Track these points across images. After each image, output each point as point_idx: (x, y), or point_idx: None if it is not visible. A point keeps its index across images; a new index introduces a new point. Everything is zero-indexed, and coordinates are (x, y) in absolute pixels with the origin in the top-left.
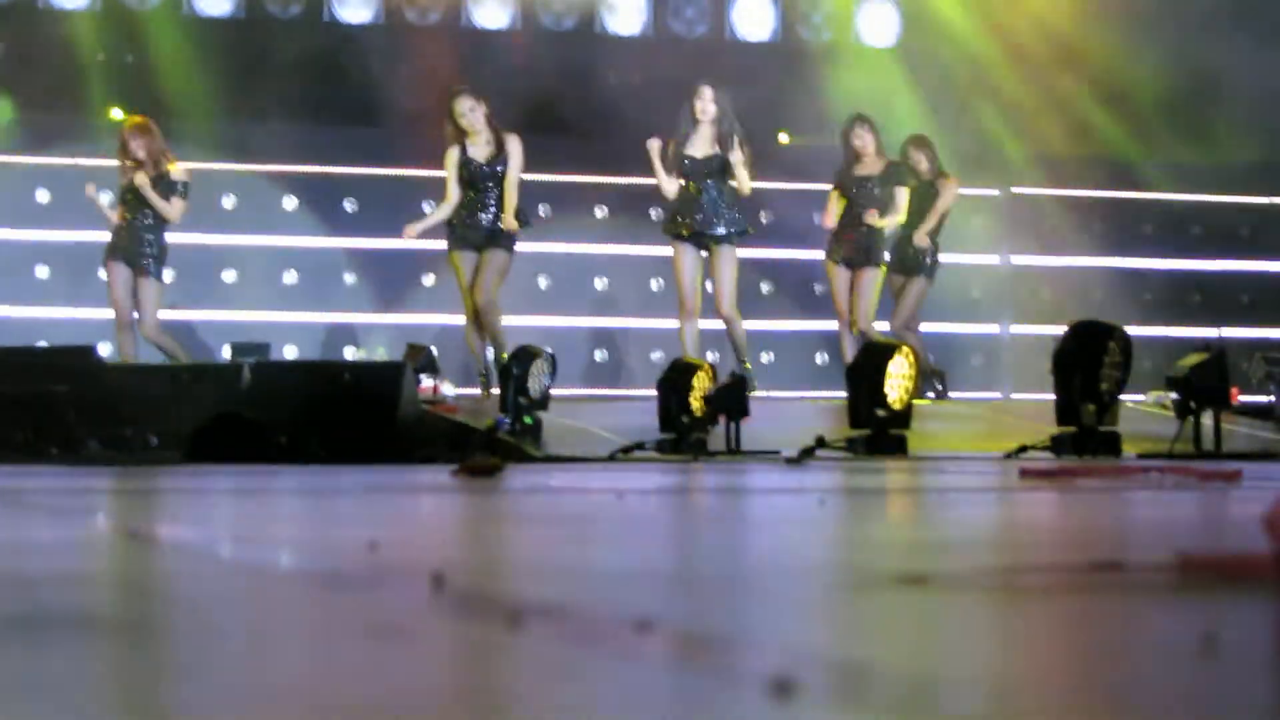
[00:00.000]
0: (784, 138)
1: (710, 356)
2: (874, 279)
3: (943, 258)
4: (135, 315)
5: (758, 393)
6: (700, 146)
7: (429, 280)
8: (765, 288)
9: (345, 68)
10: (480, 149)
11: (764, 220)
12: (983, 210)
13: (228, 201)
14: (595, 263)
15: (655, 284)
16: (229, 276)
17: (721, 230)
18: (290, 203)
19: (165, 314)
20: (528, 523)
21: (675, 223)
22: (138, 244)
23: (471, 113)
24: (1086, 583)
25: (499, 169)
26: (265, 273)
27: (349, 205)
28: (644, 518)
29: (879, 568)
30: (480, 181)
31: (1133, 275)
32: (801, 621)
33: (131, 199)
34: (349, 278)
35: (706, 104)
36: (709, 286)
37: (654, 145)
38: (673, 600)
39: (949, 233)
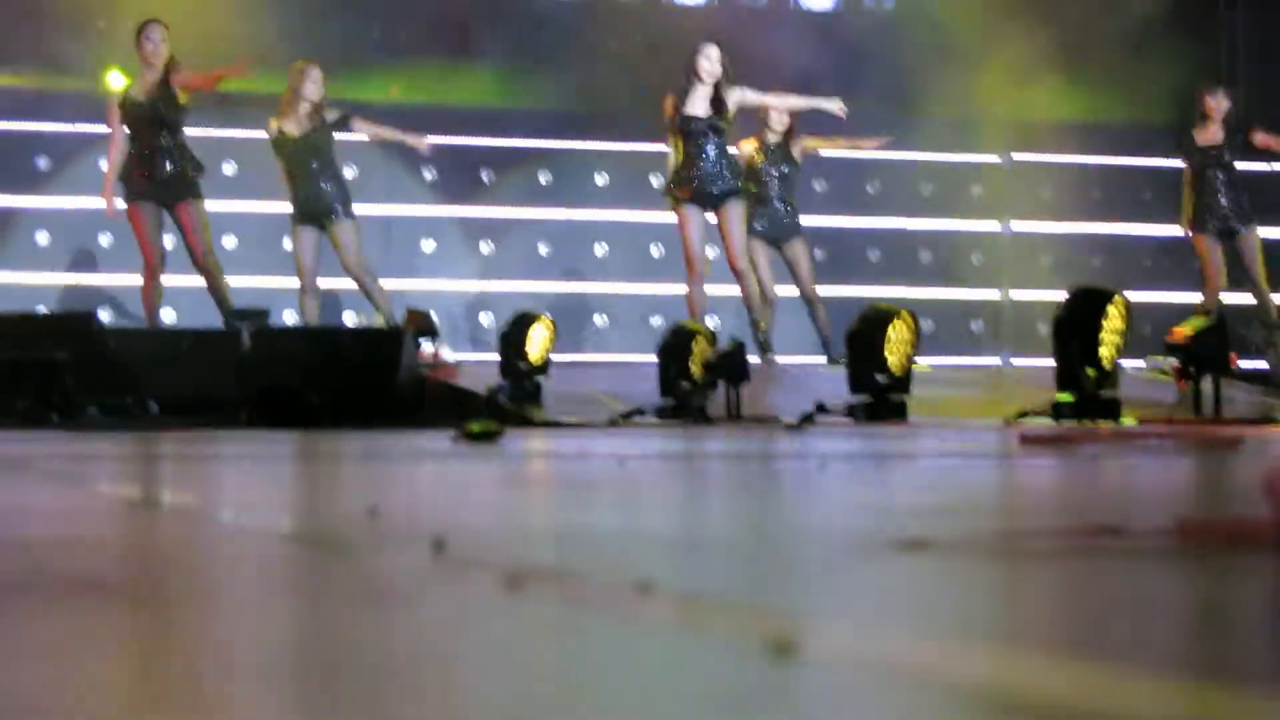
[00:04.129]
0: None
1: (712, 322)
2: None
3: (945, 224)
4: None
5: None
6: (700, 105)
7: (429, 246)
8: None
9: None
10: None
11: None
12: (984, 177)
13: (228, 168)
14: (595, 229)
15: (656, 249)
16: (229, 242)
17: (725, 187)
18: None
19: (168, 280)
20: (528, 487)
21: (678, 185)
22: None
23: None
24: (1087, 547)
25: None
26: (265, 239)
27: (348, 171)
28: (645, 483)
29: (880, 532)
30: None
31: (1132, 241)
32: (802, 585)
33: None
34: None
35: (714, 64)
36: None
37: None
38: (674, 564)
39: (951, 197)
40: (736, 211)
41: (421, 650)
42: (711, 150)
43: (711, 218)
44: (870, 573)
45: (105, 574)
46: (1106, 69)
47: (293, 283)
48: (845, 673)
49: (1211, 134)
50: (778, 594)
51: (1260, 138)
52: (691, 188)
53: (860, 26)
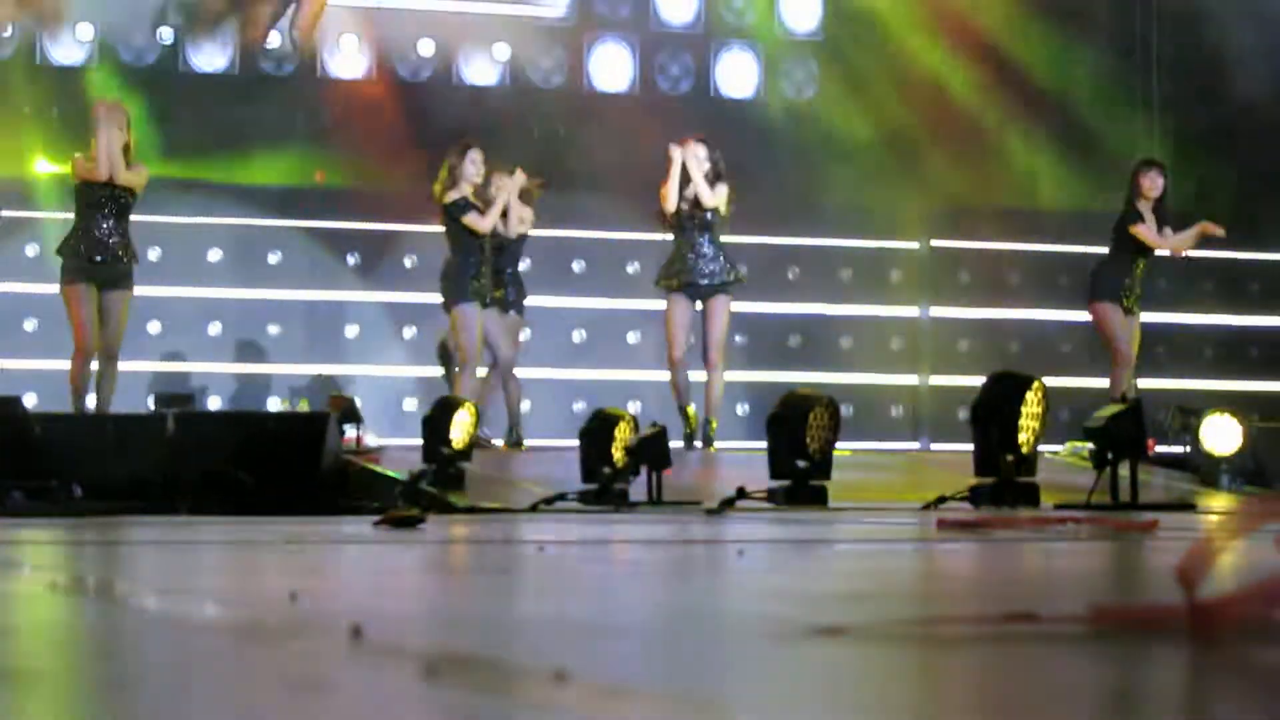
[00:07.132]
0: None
1: (633, 408)
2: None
3: (864, 309)
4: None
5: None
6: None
7: (352, 331)
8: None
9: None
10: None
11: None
12: (902, 262)
13: (153, 253)
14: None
15: (578, 335)
16: (154, 328)
17: (715, 280)
18: (215, 254)
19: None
20: (448, 573)
21: (669, 275)
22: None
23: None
24: (1001, 633)
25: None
26: (190, 324)
27: (272, 257)
28: (564, 568)
29: (796, 618)
30: None
31: (1050, 327)
32: (718, 672)
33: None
34: (273, 329)
35: (700, 160)
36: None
37: (676, 153)
38: (591, 651)
39: (870, 282)
40: (722, 305)
41: None
42: (705, 244)
43: (699, 305)
44: (785, 660)
45: (23, 662)
46: (1025, 156)
47: (215, 368)
48: None
49: (1148, 214)
50: (693, 682)
51: (1205, 227)
52: (682, 278)
53: (780, 114)
